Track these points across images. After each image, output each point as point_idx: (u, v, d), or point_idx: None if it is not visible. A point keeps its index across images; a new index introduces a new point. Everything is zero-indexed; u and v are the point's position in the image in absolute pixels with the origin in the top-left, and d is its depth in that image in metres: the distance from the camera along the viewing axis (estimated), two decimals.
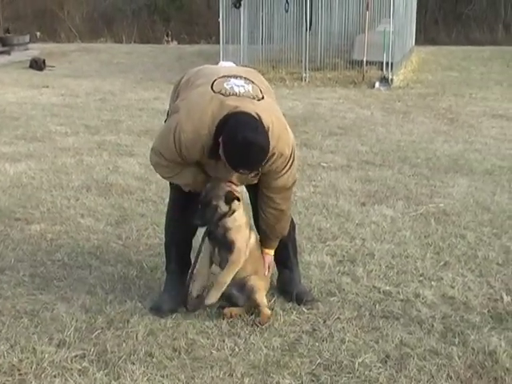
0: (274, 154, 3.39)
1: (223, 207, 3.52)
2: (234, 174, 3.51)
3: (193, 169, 3.55)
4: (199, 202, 3.52)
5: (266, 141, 3.25)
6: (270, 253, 3.85)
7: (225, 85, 3.40)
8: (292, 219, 4.07)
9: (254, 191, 3.77)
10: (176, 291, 3.82)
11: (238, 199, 3.57)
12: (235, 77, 3.49)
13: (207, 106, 3.33)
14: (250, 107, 3.31)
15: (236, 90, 3.38)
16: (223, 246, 3.63)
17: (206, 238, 3.66)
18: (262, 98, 3.45)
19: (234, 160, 3.28)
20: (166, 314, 3.71)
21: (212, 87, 3.40)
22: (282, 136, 3.41)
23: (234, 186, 3.58)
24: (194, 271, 3.79)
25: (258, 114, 3.29)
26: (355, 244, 4.82)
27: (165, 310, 3.73)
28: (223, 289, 3.64)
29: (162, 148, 3.49)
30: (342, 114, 10.29)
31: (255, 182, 3.63)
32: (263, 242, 3.83)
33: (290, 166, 3.51)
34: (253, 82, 3.50)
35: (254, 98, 3.39)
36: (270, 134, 3.31)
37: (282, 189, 3.60)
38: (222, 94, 3.35)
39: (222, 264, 3.67)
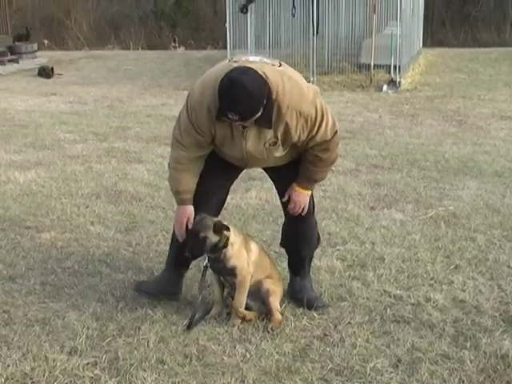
0: (287, 108, 3.36)
1: (212, 238, 3.53)
2: (249, 142, 3.49)
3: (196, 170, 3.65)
4: (188, 234, 3.57)
5: (251, 81, 3.23)
6: (302, 192, 3.71)
7: (242, 57, 3.53)
8: (318, 236, 4.08)
9: (280, 181, 3.83)
10: (163, 285, 3.93)
11: (228, 228, 3.58)
12: (255, 55, 3.64)
13: (218, 71, 3.44)
14: (258, 67, 3.36)
15: (251, 59, 3.52)
16: (226, 274, 3.69)
17: (209, 270, 3.70)
18: (280, 65, 3.51)
19: (222, 101, 3.29)
20: (141, 293, 3.90)
21: (229, 59, 3.56)
22: (295, 92, 3.39)
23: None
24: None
25: (264, 73, 3.33)
26: (365, 248, 4.81)
27: (141, 290, 3.92)
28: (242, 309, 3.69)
29: (181, 119, 3.59)
30: (350, 118, 10.27)
31: (278, 154, 3.59)
32: (297, 179, 3.73)
33: (321, 120, 3.47)
34: (273, 60, 3.59)
35: (268, 65, 3.45)
36: (279, 90, 3.33)
37: (322, 143, 3.56)
38: (235, 62, 3.46)
39: (231, 288, 3.74)
